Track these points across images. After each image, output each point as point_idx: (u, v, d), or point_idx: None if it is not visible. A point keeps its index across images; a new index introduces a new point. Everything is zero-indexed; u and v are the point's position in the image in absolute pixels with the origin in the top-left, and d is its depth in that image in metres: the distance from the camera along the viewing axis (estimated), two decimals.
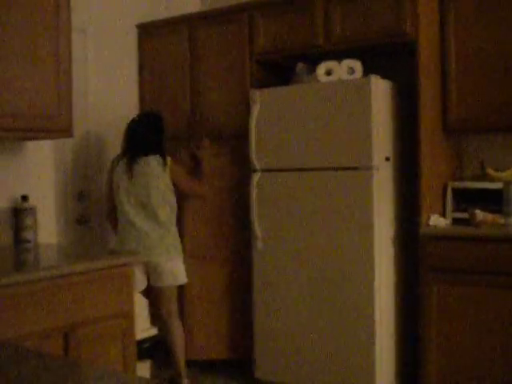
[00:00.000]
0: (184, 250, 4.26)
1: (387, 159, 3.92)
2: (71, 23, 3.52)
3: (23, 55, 3.24)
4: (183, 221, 4.42)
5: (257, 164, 4.23)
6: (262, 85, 4.45)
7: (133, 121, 4.20)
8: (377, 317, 3.83)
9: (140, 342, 3.62)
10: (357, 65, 4.05)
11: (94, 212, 4.62)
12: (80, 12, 4.42)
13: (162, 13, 5.14)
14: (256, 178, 4.24)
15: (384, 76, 3.96)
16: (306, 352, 4.08)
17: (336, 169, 3.93)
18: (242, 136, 4.40)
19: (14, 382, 1.44)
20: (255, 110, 4.22)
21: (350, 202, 3.88)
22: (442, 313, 3.82)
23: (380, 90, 3.88)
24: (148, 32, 5.04)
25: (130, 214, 4.04)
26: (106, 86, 4.79)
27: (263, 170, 4.23)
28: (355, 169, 3.86)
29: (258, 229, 4.24)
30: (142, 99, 5.08)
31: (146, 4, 5.11)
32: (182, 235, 4.33)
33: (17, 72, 3.22)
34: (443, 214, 4.11)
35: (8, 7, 3.18)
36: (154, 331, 3.74)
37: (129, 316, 3.22)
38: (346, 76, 4.05)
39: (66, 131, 3.46)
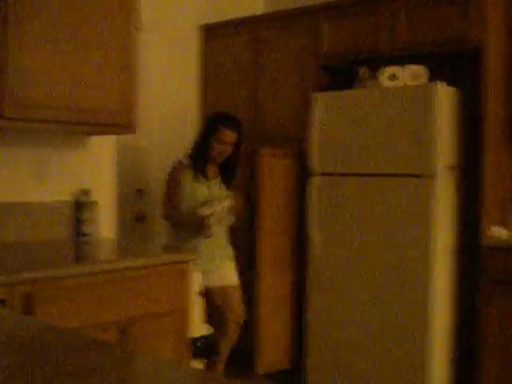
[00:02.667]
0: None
1: (450, 168, 3.85)
2: (139, 21, 3.56)
3: (94, 50, 3.29)
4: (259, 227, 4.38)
5: (316, 168, 4.21)
6: (324, 88, 4.43)
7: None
8: (433, 328, 3.76)
9: (195, 340, 3.63)
10: (421, 70, 4.00)
11: (152, 210, 4.66)
12: (145, 11, 4.47)
13: (225, 14, 5.14)
14: (315, 181, 4.21)
15: (449, 83, 3.90)
16: (359, 363, 4.03)
17: (397, 175, 3.88)
18: (304, 139, 4.38)
19: (77, 369, 1.46)
20: (316, 114, 4.19)
21: (411, 210, 3.82)
22: (501, 325, 3.73)
23: (445, 96, 3.81)
24: (211, 33, 5.06)
25: None
26: (168, 86, 4.83)
27: (323, 174, 4.20)
28: (417, 176, 3.79)
29: (314, 234, 4.21)
30: (203, 100, 5.10)
31: (209, 5, 5.13)
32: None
33: (86, 67, 3.26)
34: (505, 225, 4.02)
35: (79, 4, 3.23)
36: (208, 330, 3.75)
37: (184, 313, 3.22)
38: (409, 81, 4.00)
39: (129, 127, 3.49)
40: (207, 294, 4.01)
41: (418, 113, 3.80)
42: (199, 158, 3.92)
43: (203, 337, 3.85)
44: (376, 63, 4.24)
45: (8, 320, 1.96)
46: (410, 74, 4.00)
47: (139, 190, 4.56)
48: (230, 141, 3.91)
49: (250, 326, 4.29)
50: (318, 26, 4.47)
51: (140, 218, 4.53)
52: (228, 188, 3.98)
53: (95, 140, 3.82)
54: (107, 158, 3.91)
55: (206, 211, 3.74)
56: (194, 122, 5.06)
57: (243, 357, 4.39)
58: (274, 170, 4.33)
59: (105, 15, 3.35)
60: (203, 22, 5.07)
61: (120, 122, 3.44)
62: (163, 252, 3.41)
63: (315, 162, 4.20)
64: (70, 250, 3.47)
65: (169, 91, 4.83)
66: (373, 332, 3.97)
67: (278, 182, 4.36)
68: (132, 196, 4.54)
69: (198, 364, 3.81)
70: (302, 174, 4.39)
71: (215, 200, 3.81)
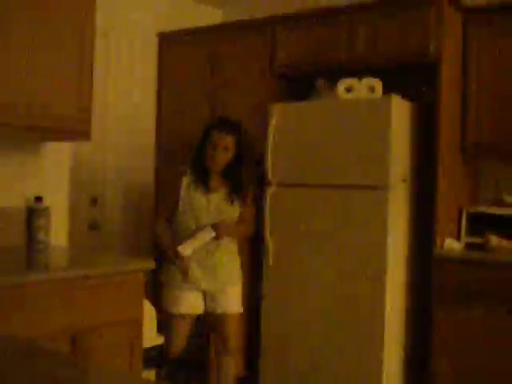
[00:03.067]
0: None
1: (404, 180, 3.89)
2: (95, 27, 3.52)
3: (48, 54, 3.24)
4: None
5: (272, 178, 4.21)
6: (281, 99, 4.44)
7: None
8: (387, 337, 3.79)
9: (147, 351, 3.58)
10: (377, 83, 4.04)
11: (107, 218, 4.61)
12: (103, 17, 4.43)
13: (185, 23, 5.13)
14: (270, 191, 4.21)
15: (404, 96, 3.95)
16: (313, 371, 4.04)
17: (352, 187, 3.91)
18: (261, 149, 4.38)
19: (27, 378, 1.43)
20: (273, 124, 4.20)
21: (365, 221, 3.85)
22: (454, 336, 3.78)
23: (400, 110, 3.86)
24: (168, 41, 5.05)
25: None
26: (125, 92, 4.79)
27: (278, 185, 4.20)
28: (371, 188, 3.83)
29: (269, 243, 4.21)
30: (159, 108, 5.08)
31: (168, 14, 5.12)
32: None
33: (40, 71, 3.22)
34: (458, 238, 4.08)
35: (38, 7, 3.19)
36: (160, 340, 3.69)
37: (137, 323, 3.19)
38: (365, 94, 4.04)
39: (83, 134, 3.45)
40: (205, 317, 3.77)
41: (372, 125, 3.84)
42: (197, 166, 3.63)
43: (156, 346, 3.80)
44: (334, 75, 4.27)
45: None
46: (367, 87, 4.04)
47: (94, 199, 4.51)
48: (222, 145, 3.55)
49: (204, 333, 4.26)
50: (274, 36, 4.49)
51: (94, 227, 4.47)
52: (233, 202, 3.61)
53: (49, 146, 3.77)
54: (61, 165, 3.86)
55: (186, 250, 3.50)
56: (150, 129, 5.03)
57: (197, 365, 4.37)
58: None
59: (62, 19, 3.31)
60: (162, 30, 5.05)
61: (74, 129, 3.40)
62: (116, 261, 3.37)
63: (271, 173, 4.21)
64: (21, 257, 3.40)
65: (126, 98, 4.80)
66: (326, 342, 3.98)
67: None
68: (86, 204, 4.48)
69: (149, 374, 3.77)
70: (258, 184, 4.39)
71: (198, 235, 3.50)
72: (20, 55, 3.12)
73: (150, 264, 3.27)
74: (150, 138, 5.04)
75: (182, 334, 3.69)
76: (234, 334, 3.75)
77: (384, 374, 3.78)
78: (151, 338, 3.59)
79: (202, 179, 3.61)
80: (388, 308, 3.79)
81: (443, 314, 3.81)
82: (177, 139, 4.97)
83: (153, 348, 3.64)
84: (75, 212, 4.38)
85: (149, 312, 3.69)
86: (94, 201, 4.51)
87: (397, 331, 3.90)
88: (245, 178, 3.64)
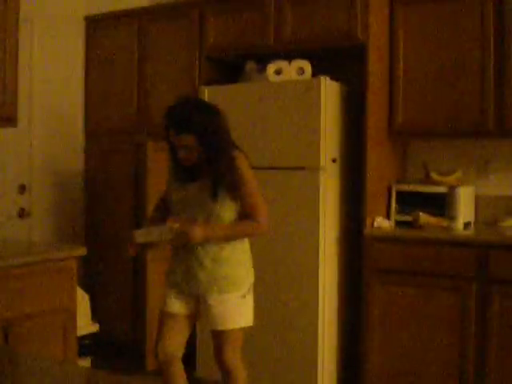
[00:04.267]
0: None
1: (334, 161, 3.94)
2: (18, 11, 3.44)
3: None
4: None
5: None
6: (211, 82, 4.43)
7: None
8: (320, 316, 3.85)
9: (81, 339, 3.55)
10: (306, 65, 4.07)
11: (36, 206, 4.52)
12: (27, 1, 4.33)
13: (111, 5, 5.04)
14: None
15: (333, 78, 3.99)
16: (249, 351, 4.06)
17: (283, 168, 3.94)
18: None
19: None
20: None
21: (297, 202, 3.89)
22: (385, 314, 3.86)
23: (329, 91, 3.90)
24: (96, 25, 4.96)
25: None
26: (51, 78, 4.69)
27: None
28: (302, 169, 3.87)
29: None
30: (87, 93, 5.00)
31: None
32: None
33: None
34: (387, 217, 4.16)
35: None
36: (95, 327, 3.67)
37: (70, 311, 3.16)
38: (295, 76, 4.06)
39: (10, 120, 3.38)
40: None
41: (302, 107, 3.87)
42: (171, 158, 3.13)
43: (90, 334, 3.77)
44: (263, 58, 4.28)
45: None
46: (296, 69, 4.07)
47: (21, 186, 4.41)
48: (180, 145, 2.97)
49: (140, 321, 4.25)
50: (203, 19, 4.46)
51: (22, 214, 4.38)
52: (216, 195, 2.95)
53: None
54: None
55: (138, 237, 2.97)
56: (78, 115, 4.95)
57: (134, 353, 4.36)
58: (160, 164, 4.29)
59: None
60: (88, 13, 4.95)
61: (1, 115, 3.32)
62: (47, 249, 3.31)
63: None
64: None
65: (53, 83, 4.70)
66: (262, 321, 4.01)
67: (164, 176, 4.32)
68: (14, 192, 4.38)
69: (85, 362, 3.74)
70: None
71: (155, 230, 2.95)
72: None
73: (81, 251, 3.24)
74: (77, 125, 4.95)
75: (167, 332, 3.10)
76: (226, 354, 3.10)
77: (319, 348, 3.84)
78: (85, 325, 3.56)
79: (175, 170, 3.13)
80: (321, 289, 3.84)
81: (375, 291, 3.88)
82: (105, 125, 4.91)
83: (87, 336, 3.62)
84: (2, 200, 4.28)
85: (82, 300, 3.67)
86: (21, 188, 4.41)
87: (330, 308, 3.96)
88: (224, 167, 2.96)
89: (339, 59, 4.37)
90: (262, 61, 4.28)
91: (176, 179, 3.10)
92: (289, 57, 4.15)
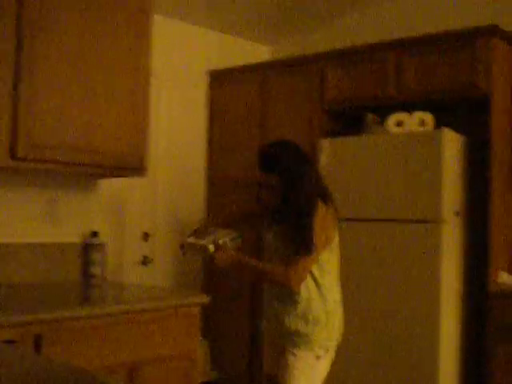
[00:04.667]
0: None
1: (457, 214, 3.87)
2: (148, 67, 3.61)
3: (106, 93, 3.34)
4: None
5: None
6: (330, 134, 4.47)
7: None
8: (441, 375, 3.73)
9: None
10: (428, 117, 4.04)
11: (158, 253, 4.66)
12: (154, 57, 4.54)
13: (233, 61, 5.22)
14: None
15: (455, 130, 3.94)
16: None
17: (404, 221, 3.89)
18: None
19: None
20: (323, 160, 4.22)
21: (417, 256, 3.82)
22: (509, 373, 3.70)
23: (451, 143, 3.85)
24: (219, 79, 5.13)
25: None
26: (176, 130, 4.87)
27: None
28: (424, 221, 3.81)
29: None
30: (210, 144, 5.15)
31: (217, 52, 5.21)
32: None
33: (98, 109, 3.31)
34: (510, 271, 4.02)
35: (93, 49, 3.30)
36: (214, 375, 3.70)
37: (193, 357, 3.20)
38: (416, 128, 4.04)
39: (140, 170, 3.52)
40: None
41: (424, 158, 3.83)
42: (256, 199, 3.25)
43: (210, 382, 3.80)
44: (383, 110, 4.29)
45: (26, 360, 1.95)
46: (417, 121, 4.05)
47: (146, 234, 4.57)
48: (264, 184, 3.01)
49: (257, 364, 4.25)
50: (323, 72, 4.54)
51: (146, 262, 4.53)
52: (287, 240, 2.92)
53: (104, 182, 3.85)
54: (115, 201, 3.93)
55: (187, 245, 3.05)
56: (200, 165, 5.10)
57: None
58: None
59: (117, 59, 3.41)
60: (211, 68, 5.13)
61: (130, 165, 3.47)
62: (171, 296, 3.39)
63: None
64: (78, 291, 3.46)
65: (177, 134, 4.87)
66: (384, 374, 3.93)
67: None
68: (138, 239, 4.54)
69: None
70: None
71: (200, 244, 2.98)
72: (78, 100, 3.23)
73: (204, 298, 3.29)
74: (200, 176, 5.09)
75: None
76: None
77: None
78: (205, 372, 3.60)
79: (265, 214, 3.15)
80: (443, 346, 3.73)
81: (499, 349, 3.73)
82: (227, 176, 5.03)
83: (207, 383, 3.65)
84: (128, 247, 4.44)
85: (202, 346, 3.72)
86: (145, 235, 4.57)
87: (451, 370, 3.84)
88: (294, 220, 2.87)
89: (461, 111, 4.31)
90: (382, 113, 4.28)
91: (266, 221, 3.12)
92: (409, 108, 4.14)
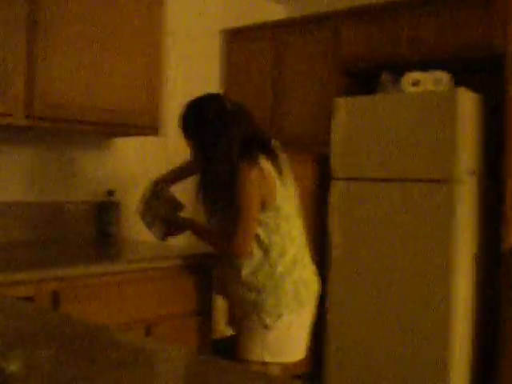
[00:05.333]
0: None
1: (472, 173, 3.85)
2: (162, 26, 3.59)
3: (120, 52, 3.33)
4: None
5: (338, 172, 4.22)
6: (345, 93, 4.44)
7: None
8: (454, 334, 3.75)
9: (216, 342, 3.63)
10: (444, 76, 4.00)
11: None
12: (168, 16, 4.51)
13: (247, 19, 5.16)
14: (336, 186, 4.22)
15: (471, 89, 3.91)
16: (377, 366, 4.03)
17: (419, 180, 3.88)
18: (324, 144, 4.40)
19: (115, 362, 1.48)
20: (339, 119, 4.21)
21: (432, 215, 3.81)
22: None
23: (467, 102, 3.82)
24: (232, 38, 5.09)
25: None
26: (190, 89, 4.85)
27: (343, 179, 4.21)
28: (439, 181, 3.80)
29: (335, 237, 4.22)
30: None
31: (230, 10, 5.15)
32: None
33: (113, 68, 3.31)
34: None
35: (106, 8, 3.28)
36: (230, 331, 3.73)
37: (208, 314, 3.24)
38: (432, 87, 4.00)
39: (153, 129, 3.53)
40: None
41: (439, 118, 3.80)
42: None
43: (225, 338, 3.83)
44: (398, 69, 4.25)
45: (46, 315, 1.97)
46: (433, 80, 4.01)
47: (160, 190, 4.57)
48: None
49: None
50: (338, 30, 4.49)
51: None
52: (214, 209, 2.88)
53: (120, 141, 3.85)
54: (132, 160, 3.94)
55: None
56: None
57: None
58: (295, 174, 4.32)
59: (132, 18, 3.40)
60: (225, 27, 5.09)
61: (145, 124, 3.48)
62: (185, 254, 3.42)
63: (337, 167, 4.22)
64: (94, 249, 3.49)
65: (191, 94, 4.85)
66: (392, 337, 3.97)
67: (299, 187, 4.34)
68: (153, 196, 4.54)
69: None
70: (323, 179, 4.40)
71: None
72: (93, 58, 3.23)
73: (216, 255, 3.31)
74: None
75: None
76: None
77: (452, 365, 3.75)
78: (220, 329, 3.64)
79: None
80: (456, 309, 3.74)
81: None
82: None
83: (222, 340, 3.69)
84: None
85: (216, 302, 3.75)
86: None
87: (465, 332, 3.86)
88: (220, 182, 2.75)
89: (477, 70, 4.27)
90: (398, 72, 4.24)
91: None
92: (426, 67, 4.10)
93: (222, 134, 2.69)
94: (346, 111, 4.19)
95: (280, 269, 2.74)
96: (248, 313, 2.80)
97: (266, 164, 2.74)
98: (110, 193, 3.66)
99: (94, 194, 3.70)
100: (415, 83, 4.06)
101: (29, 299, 2.51)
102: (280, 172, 2.80)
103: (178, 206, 3.09)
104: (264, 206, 2.72)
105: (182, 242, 4.59)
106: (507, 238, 3.82)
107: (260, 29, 4.95)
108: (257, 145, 2.77)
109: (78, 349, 1.55)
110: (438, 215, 3.79)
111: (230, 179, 2.67)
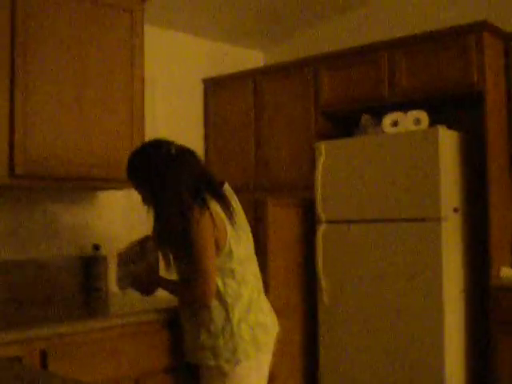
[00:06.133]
0: None
1: (456, 210, 3.87)
2: (144, 77, 3.62)
3: (100, 105, 3.36)
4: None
5: (322, 215, 4.23)
6: (326, 137, 4.48)
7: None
8: (446, 372, 3.73)
9: None
10: (423, 116, 4.05)
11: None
12: (149, 67, 4.56)
13: (227, 68, 5.22)
14: (322, 229, 4.23)
15: (450, 126, 3.96)
16: None
17: (403, 220, 3.90)
18: (307, 188, 4.42)
19: None
20: (321, 162, 4.23)
21: (418, 254, 3.82)
22: None
23: (447, 140, 3.87)
24: (213, 87, 5.14)
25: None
26: (172, 139, 4.87)
27: (329, 222, 4.22)
28: (423, 220, 3.82)
29: (323, 282, 4.21)
30: (206, 151, 5.15)
31: (211, 59, 5.22)
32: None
33: (93, 121, 3.33)
34: None
35: (87, 60, 3.32)
36: None
37: (196, 368, 3.19)
38: (412, 127, 4.05)
39: None
40: None
41: (420, 157, 3.84)
42: None
43: None
44: (378, 110, 4.30)
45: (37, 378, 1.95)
46: (413, 120, 4.06)
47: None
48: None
49: None
50: (317, 75, 4.55)
51: None
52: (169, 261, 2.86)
53: (104, 195, 3.85)
54: (117, 213, 3.94)
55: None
56: None
57: None
58: (279, 220, 4.34)
59: (111, 70, 3.43)
60: (206, 76, 5.14)
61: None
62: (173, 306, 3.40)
63: (321, 210, 4.23)
64: (81, 305, 3.46)
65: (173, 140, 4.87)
66: (388, 376, 3.94)
67: (284, 232, 4.36)
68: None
69: None
70: (309, 223, 4.41)
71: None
72: (73, 113, 3.25)
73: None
74: None
75: None
76: None
77: None
78: None
79: None
80: (447, 343, 3.73)
81: (501, 343, 3.74)
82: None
83: None
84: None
85: None
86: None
87: (456, 364, 3.84)
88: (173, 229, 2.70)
89: (455, 107, 4.33)
90: (377, 113, 4.30)
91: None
92: (404, 108, 4.15)
93: (168, 179, 2.66)
94: (328, 155, 4.22)
95: (236, 313, 2.71)
96: (206, 358, 2.74)
97: (216, 207, 2.70)
98: (97, 247, 3.65)
99: (80, 248, 3.69)
100: (395, 124, 4.11)
101: (17, 359, 2.48)
102: (230, 216, 2.74)
103: (156, 271, 3.05)
104: (217, 249, 2.68)
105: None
106: (493, 274, 3.83)
107: (241, 77, 5.01)
108: (206, 188, 2.74)
109: None
110: (424, 254, 3.80)
111: (181, 223, 2.63)
